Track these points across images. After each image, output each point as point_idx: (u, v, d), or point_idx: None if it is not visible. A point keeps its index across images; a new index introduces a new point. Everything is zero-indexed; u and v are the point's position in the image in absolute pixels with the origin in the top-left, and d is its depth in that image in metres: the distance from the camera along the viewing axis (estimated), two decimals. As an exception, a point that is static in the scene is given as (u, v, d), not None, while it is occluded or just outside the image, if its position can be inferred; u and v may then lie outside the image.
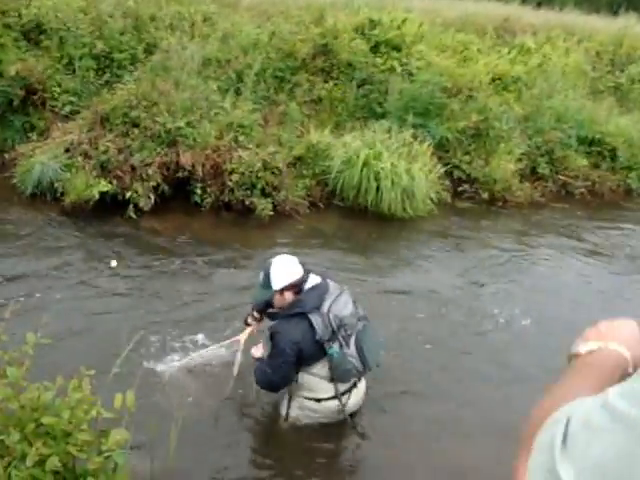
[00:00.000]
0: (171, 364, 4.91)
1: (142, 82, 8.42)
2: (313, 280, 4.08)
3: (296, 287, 3.98)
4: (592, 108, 11.37)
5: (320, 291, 4.03)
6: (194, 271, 6.84)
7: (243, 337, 4.61)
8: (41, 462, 2.31)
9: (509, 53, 11.94)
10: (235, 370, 4.56)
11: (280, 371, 4.01)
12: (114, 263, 6.82)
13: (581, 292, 7.48)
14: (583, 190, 10.61)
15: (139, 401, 2.77)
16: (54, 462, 2.29)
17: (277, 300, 4.06)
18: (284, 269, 3.98)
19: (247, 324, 4.63)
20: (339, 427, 4.47)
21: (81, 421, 2.45)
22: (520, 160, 10.10)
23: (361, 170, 8.47)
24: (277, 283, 3.96)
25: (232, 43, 9.35)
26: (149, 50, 9.13)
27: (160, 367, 4.90)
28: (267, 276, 3.98)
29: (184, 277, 6.70)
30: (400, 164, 8.51)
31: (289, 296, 3.99)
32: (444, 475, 4.35)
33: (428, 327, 6.13)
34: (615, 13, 17.62)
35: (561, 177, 10.61)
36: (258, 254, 7.28)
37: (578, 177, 10.65)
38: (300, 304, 3.95)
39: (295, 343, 3.89)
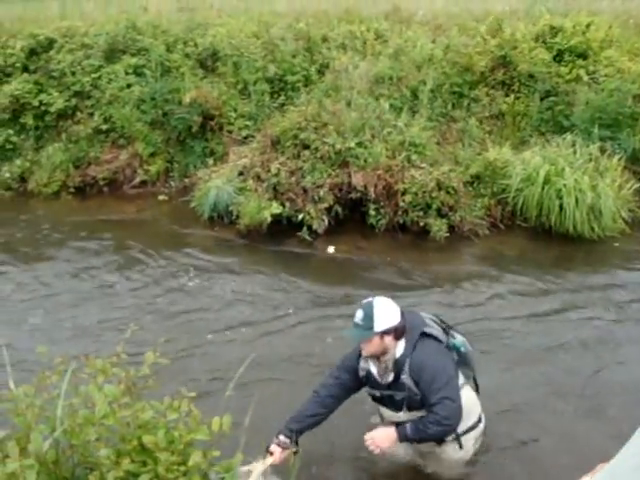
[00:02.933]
0: None
1: (312, 103, 8.36)
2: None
3: (397, 331, 3.65)
4: None
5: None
6: (361, 298, 6.53)
7: (259, 468, 3.53)
8: (135, 477, 2.37)
9: None
10: None
11: (458, 393, 3.68)
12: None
13: None
14: None
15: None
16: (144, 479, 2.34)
17: (374, 345, 3.63)
18: (388, 310, 3.65)
19: (270, 452, 3.67)
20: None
21: (176, 441, 2.47)
22: None
23: (542, 188, 7.85)
24: (381, 325, 3.59)
25: (404, 59, 9.07)
26: (321, 71, 9.10)
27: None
28: (370, 316, 3.58)
29: (350, 299, 6.43)
30: (584, 180, 7.79)
31: (389, 341, 3.64)
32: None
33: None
34: None
35: None
36: (434, 277, 6.95)
37: None
38: (414, 327, 3.73)
39: (446, 356, 3.75)
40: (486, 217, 7.97)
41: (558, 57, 9.46)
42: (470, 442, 3.94)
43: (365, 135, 8.02)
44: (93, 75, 9.36)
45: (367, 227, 7.90)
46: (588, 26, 9.73)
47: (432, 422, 3.56)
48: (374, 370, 3.75)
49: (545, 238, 7.85)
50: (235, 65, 9.10)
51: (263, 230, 7.74)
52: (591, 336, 5.86)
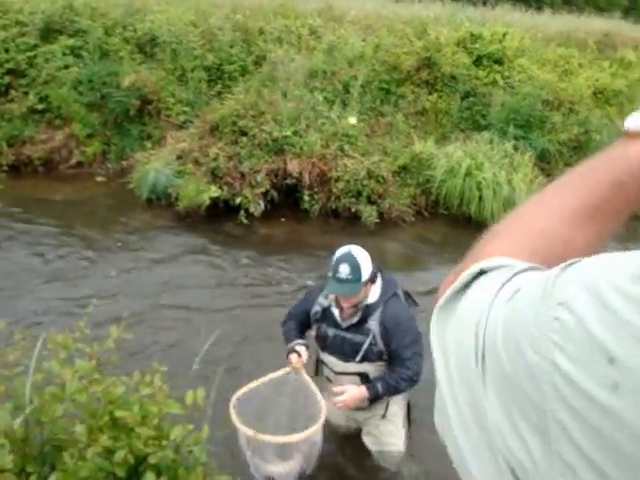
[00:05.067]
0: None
1: (250, 92, 8.70)
2: None
3: (374, 275, 3.54)
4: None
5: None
6: (295, 276, 6.99)
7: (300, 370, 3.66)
8: (111, 454, 2.27)
9: (610, 67, 11.81)
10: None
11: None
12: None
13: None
14: None
15: (219, 399, 2.83)
16: (121, 455, 2.24)
17: (361, 296, 3.48)
18: (366, 256, 3.46)
19: (296, 354, 3.68)
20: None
21: (152, 416, 2.39)
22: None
23: (463, 180, 8.53)
24: (366, 273, 3.41)
25: (337, 55, 9.57)
26: (258, 62, 9.44)
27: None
28: (357, 268, 3.35)
29: (284, 279, 6.87)
30: (501, 174, 8.53)
31: (369, 287, 3.52)
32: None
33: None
34: None
35: None
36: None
37: None
38: (390, 285, 3.64)
39: (414, 318, 3.65)
40: (412, 205, 8.54)
41: (477, 62, 10.22)
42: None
43: (301, 125, 8.43)
44: (28, 53, 9.29)
45: (301, 212, 8.31)
46: (504, 35, 10.54)
47: (405, 379, 3.51)
48: (335, 309, 3.60)
49: (465, 225, 8.48)
50: (174, 52, 9.31)
51: (201, 212, 7.92)
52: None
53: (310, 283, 6.71)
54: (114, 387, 2.46)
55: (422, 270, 7.38)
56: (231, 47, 9.48)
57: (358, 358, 3.59)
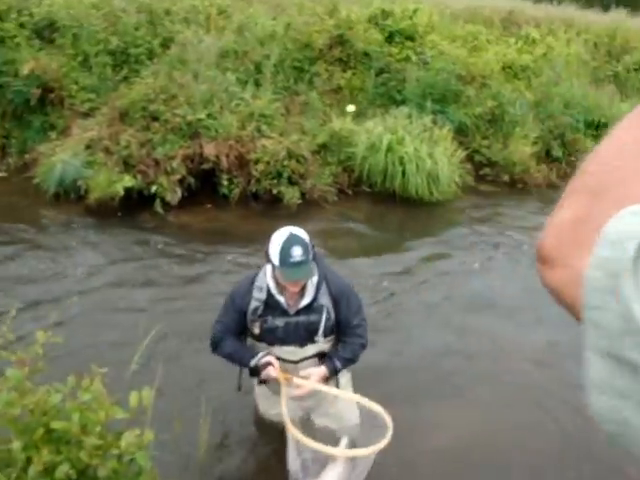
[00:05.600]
0: None
1: (160, 76, 8.32)
2: None
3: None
4: (595, 95, 11.56)
5: None
6: (220, 266, 6.68)
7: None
8: (52, 470, 2.10)
9: (516, 43, 12.04)
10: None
11: None
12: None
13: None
14: None
15: (162, 398, 2.67)
16: (64, 470, 2.08)
17: (311, 271, 3.30)
18: (305, 232, 3.31)
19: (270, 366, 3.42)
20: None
21: (94, 424, 2.22)
22: (535, 143, 10.23)
23: (385, 155, 8.42)
24: (312, 250, 3.27)
25: (248, 35, 9.28)
26: (165, 44, 9.04)
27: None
28: (307, 247, 3.15)
29: (210, 271, 6.54)
30: (423, 148, 8.49)
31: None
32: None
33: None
34: (606, 8, 17.85)
35: (574, 159, 10.73)
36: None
37: None
38: (320, 257, 3.53)
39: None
40: (334, 184, 8.38)
41: (389, 38, 10.14)
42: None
43: (214, 107, 8.11)
44: None
45: (220, 197, 7.98)
46: (415, 12, 10.50)
47: (359, 346, 3.48)
48: (282, 300, 3.36)
49: (390, 202, 8.41)
50: (75, 37, 8.78)
51: (115, 204, 7.49)
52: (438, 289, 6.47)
53: (231, 269, 6.43)
54: (48, 396, 2.27)
55: (346, 249, 7.21)
56: (136, 29, 9.03)
57: (318, 338, 3.44)
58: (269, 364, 3.37)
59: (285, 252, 3.11)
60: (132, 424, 2.33)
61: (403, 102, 9.44)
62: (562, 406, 4.57)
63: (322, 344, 3.48)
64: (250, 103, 8.30)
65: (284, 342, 3.45)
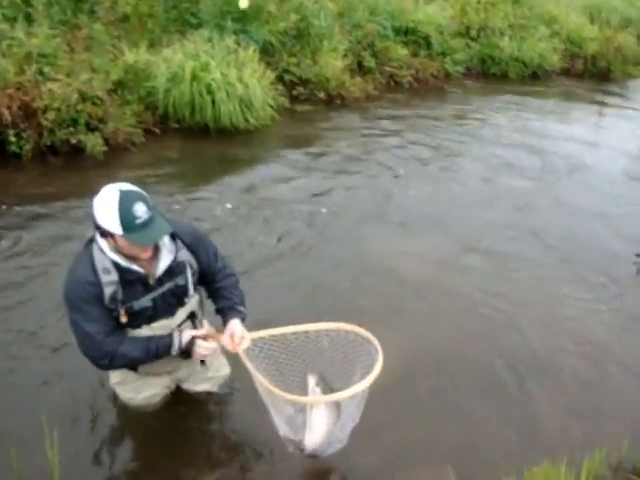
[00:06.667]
0: None
1: None
2: None
3: None
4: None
5: None
6: (21, 233, 5.60)
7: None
8: None
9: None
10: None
11: None
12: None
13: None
14: (409, 79, 10.80)
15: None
16: None
17: (165, 225, 2.86)
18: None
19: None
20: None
21: None
22: (346, 56, 9.95)
23: (190, 85, 7.64)
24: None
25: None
26: None
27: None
28: (148, 200, 2.69)
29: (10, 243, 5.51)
30: (231, 73, 7.79)
31: None
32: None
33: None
34: None
35: (387, 68, 10.64)
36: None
37: (402, 67, 10.74)
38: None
39: None
40: (139, 124, 7.49)
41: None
42: None
43: (-19, 51, 6.89)
44: None
45: (11, 157, 6.84)
46: None
47: (237, 283, 3.21)
48: (139, 268, 2.79)
49: (204, 136, 7.77)
50: None
51: None
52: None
53: (45, 243, 5.45)
54: None
55: (166, 192, 6.46)
56: None
57: (188, 299, 3.04)
58: (196, 338, 2.96)
59: (126, 214, 2.57)
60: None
61: (200, 25, 8.61)
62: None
63: (190, 303, 3.07)
64: (25, 42, 7.12)
65: (152, 319, 2.96)
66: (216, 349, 3.03)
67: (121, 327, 2.87)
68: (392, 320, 4.60)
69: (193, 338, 2.95)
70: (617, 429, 3.73)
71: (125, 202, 2.56)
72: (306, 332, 3.04)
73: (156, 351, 2.90)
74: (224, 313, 3.11)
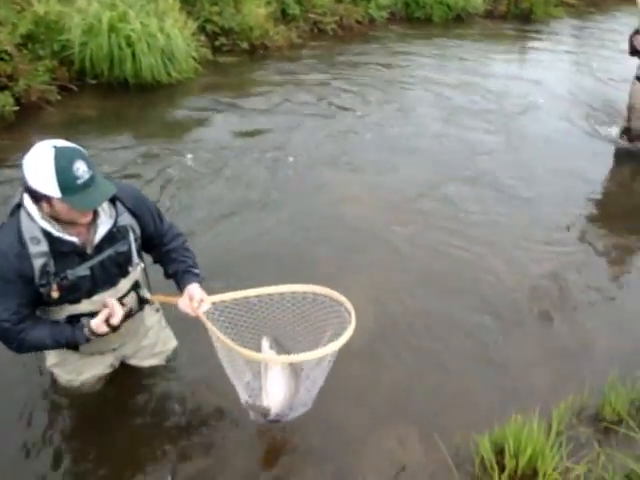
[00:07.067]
0: None
1: None
2: None
3: None
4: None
5: None
6: None
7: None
8: None
9: None
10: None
11: None
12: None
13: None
14: (334, 26, 10.56)
15: None
16: None
17: (109, 185, 2.55)
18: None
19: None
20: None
21: None
22: (269, 3, 9.58)
23: (108, 37, 7.19)
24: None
25: None
26: None
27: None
28: (87, 157, 2.36)
29: None
30: (152, 23, 7.38)
31: None
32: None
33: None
34: None
35: (311, 15, 10.36)
36: (12, 161, 5.75)
37: (326, 14, 10.45)
38: None
39: None
40: (53, 81, 7.03)
41: None
42: None
43: None
44: None
45: None
46: None
47: (185, 243, 2.98)
48: (72, 238, 2.47)
49: (124, 91, 7.39)
50: None
51: None
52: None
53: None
54: None
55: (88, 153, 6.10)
56: None
57: (132, 267, 2.74)
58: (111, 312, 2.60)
59: (65, 174, 2.23)
60: None
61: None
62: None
63: (135, 272, 2.78)
64: None
65: (92, 292, 2.64)
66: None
67: (55, 304, 2.58)
68: (355, 272, 4.48)
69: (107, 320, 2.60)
70: (582, 374, 3.70)
71: (62, 160, 2.24)
72: (270, 295, 2.82)
73: (66, 340, 2.62)
74: (179, 277, 2.86)
